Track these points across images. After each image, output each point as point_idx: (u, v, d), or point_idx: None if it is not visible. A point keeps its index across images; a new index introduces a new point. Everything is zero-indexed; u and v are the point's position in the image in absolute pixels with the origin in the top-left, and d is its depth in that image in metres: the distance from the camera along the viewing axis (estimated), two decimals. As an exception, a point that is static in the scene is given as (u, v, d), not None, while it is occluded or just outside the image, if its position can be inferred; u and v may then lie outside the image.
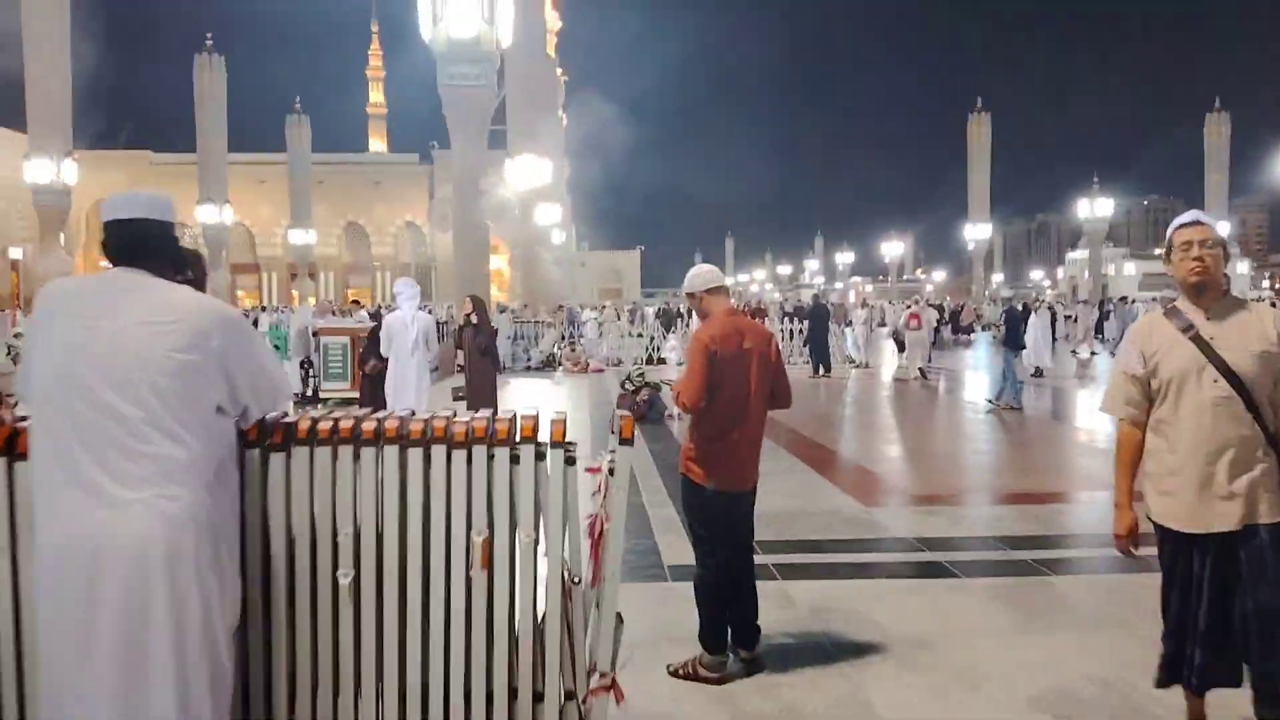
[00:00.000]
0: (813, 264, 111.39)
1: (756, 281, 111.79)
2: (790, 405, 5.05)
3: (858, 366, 24.23)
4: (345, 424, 3.10)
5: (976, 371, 23.47)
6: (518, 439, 3.14)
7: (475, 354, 12.51)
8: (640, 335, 26.50)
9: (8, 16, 35.58)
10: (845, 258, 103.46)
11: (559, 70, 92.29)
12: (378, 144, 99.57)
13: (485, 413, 3.25)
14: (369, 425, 3.09)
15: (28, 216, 44.59)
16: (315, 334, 16.76)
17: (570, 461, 3.19)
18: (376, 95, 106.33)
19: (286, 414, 3.12)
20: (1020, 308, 18.57)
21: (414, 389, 9.52)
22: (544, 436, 3.20)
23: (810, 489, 9.23)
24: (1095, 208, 58.09)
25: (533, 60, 43.17)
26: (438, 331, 12.03)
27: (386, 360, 9.89)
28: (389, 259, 68.68)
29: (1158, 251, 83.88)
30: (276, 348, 17.48)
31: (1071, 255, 79.00)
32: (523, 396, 18.23)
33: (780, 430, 12.98)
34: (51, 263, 37.11)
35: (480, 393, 12.41)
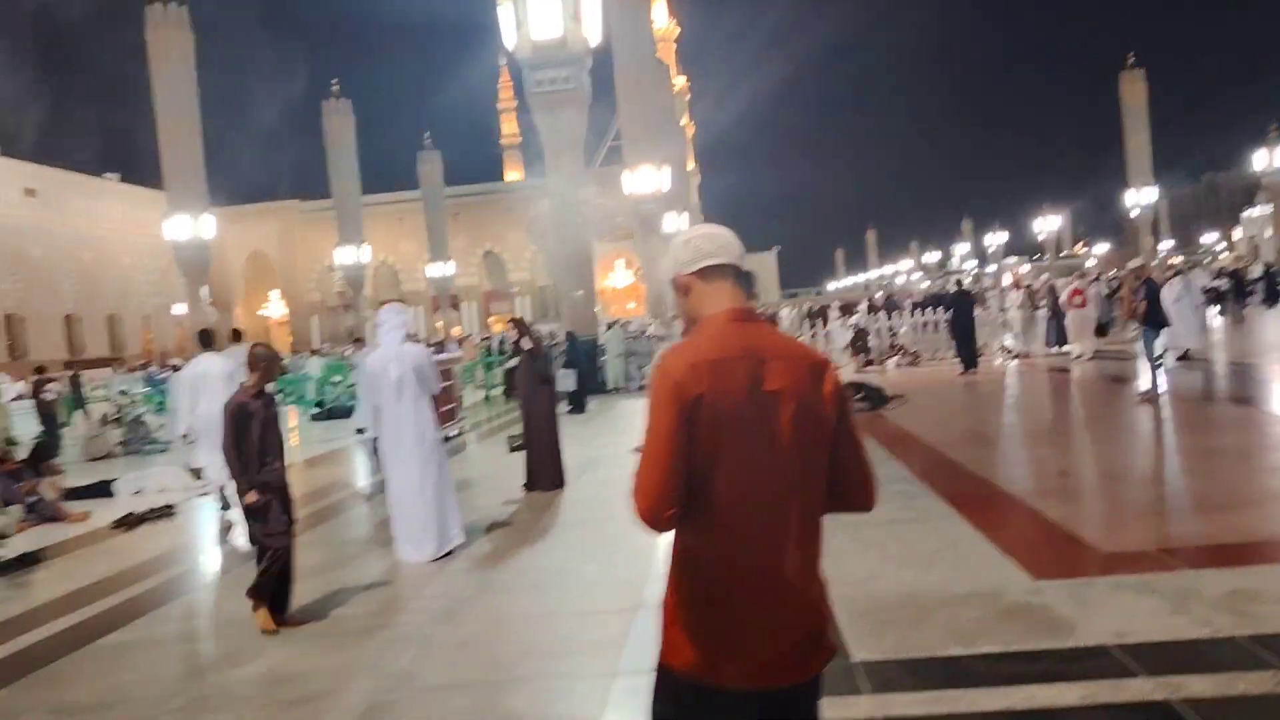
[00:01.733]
0: (962, 248, 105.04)
1: (901, 272, 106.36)
2: (872, 504, 2.41)
3: (1016, 357, 20.79)
4: None
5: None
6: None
7: (533, 385, 10.18)
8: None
9: (139, 74, 36.05)
10: (997, 238, 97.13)
11: (680, 75, 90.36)
12: (514, 175, 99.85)
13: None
14: None
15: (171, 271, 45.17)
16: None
17: None
18: (509, 127, 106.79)
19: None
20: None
21: (414, 444, 7.17)
22: None
23: (954, 550, 6.43)
24: (1275, 157, 51.23)
25: (641, 66, 40.96)
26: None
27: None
28: (527, 284, 67.99)
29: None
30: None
31: (1248, 214, 70.95)
32: (608, 434, 15.79)
33: (914, 450, 10.12)
34: (197, 315, 37.23)
35: (541, 436, 10.07)
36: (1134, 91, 63.96)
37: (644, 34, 41.73)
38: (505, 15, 21.94)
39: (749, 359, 2.27)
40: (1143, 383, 13.10)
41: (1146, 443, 10.50)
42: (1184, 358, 16.74)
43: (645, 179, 41.00)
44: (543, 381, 10.23)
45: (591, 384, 21.91)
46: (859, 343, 21.33)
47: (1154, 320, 12.86)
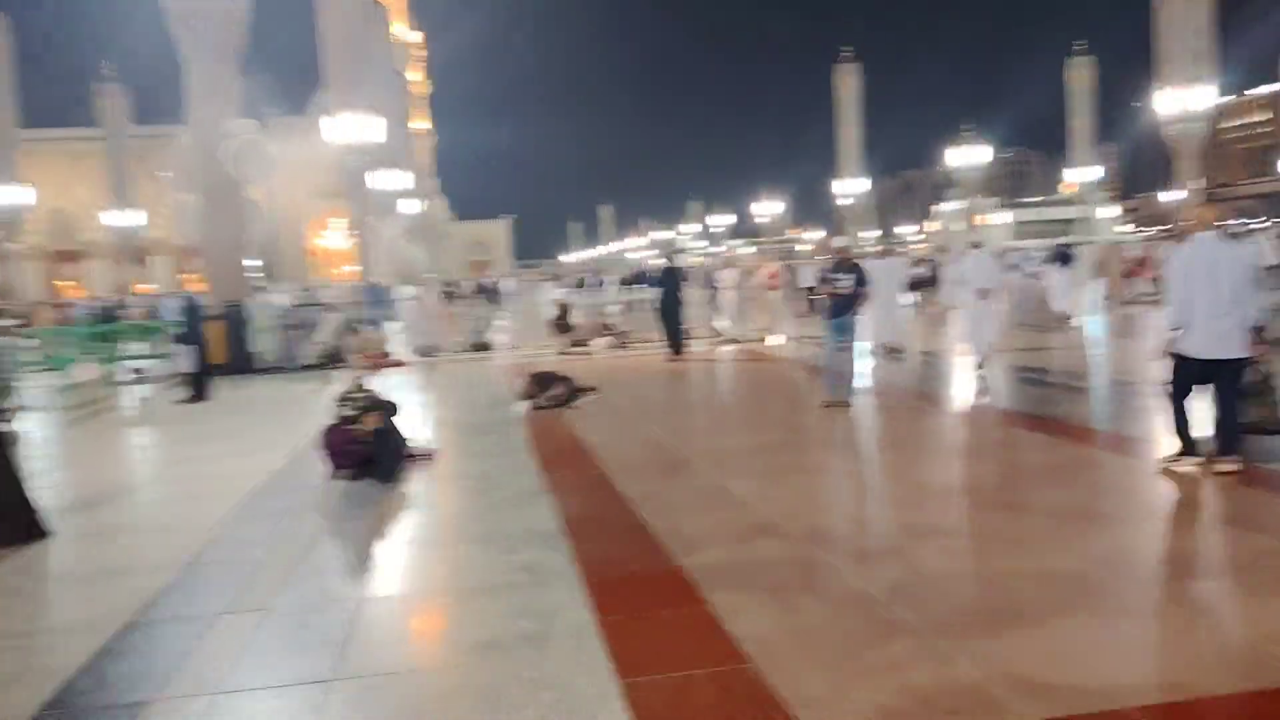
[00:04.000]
0: (691, 228, 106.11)
1: (632, 249, 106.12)
2: None
3: (725, 342, 18.66)
4: None
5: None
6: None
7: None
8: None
9: None
10: (724, 220, 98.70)
11: (415, 30, 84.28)
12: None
13: None
14: None
15: None
16: None
17: None
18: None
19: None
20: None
21: None
22: None
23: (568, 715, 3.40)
24: (969, 155, 53.74)
25: (348, 2, 36.15)
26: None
27: None
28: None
29: (1033, 199, 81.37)
30: None
31: (940, 207, 75.41)
32: (204, 438, 11.98)
33: (579, 477, 7.14)
34: None
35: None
36: (848, 85, 65.75)
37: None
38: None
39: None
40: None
41: (876, 469, 8.11)
42: (889, 350, 14.91)
43: (351, 127, 36.20)
44: None
45: (238, 362, 17.64)
46: (562, 320, 18.39)
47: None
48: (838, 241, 10.90)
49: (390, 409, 8.92)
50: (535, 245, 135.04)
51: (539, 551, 5.64)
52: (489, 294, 22.68)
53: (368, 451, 8.40)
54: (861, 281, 10.39)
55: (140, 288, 51.32)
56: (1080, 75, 65.62)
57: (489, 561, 5.56)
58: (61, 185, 60.09)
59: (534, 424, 10.55)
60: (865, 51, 67.07)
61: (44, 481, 8.08)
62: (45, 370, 16.41)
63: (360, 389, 8.72)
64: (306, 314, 18.93)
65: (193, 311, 14.53)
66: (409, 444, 8.72)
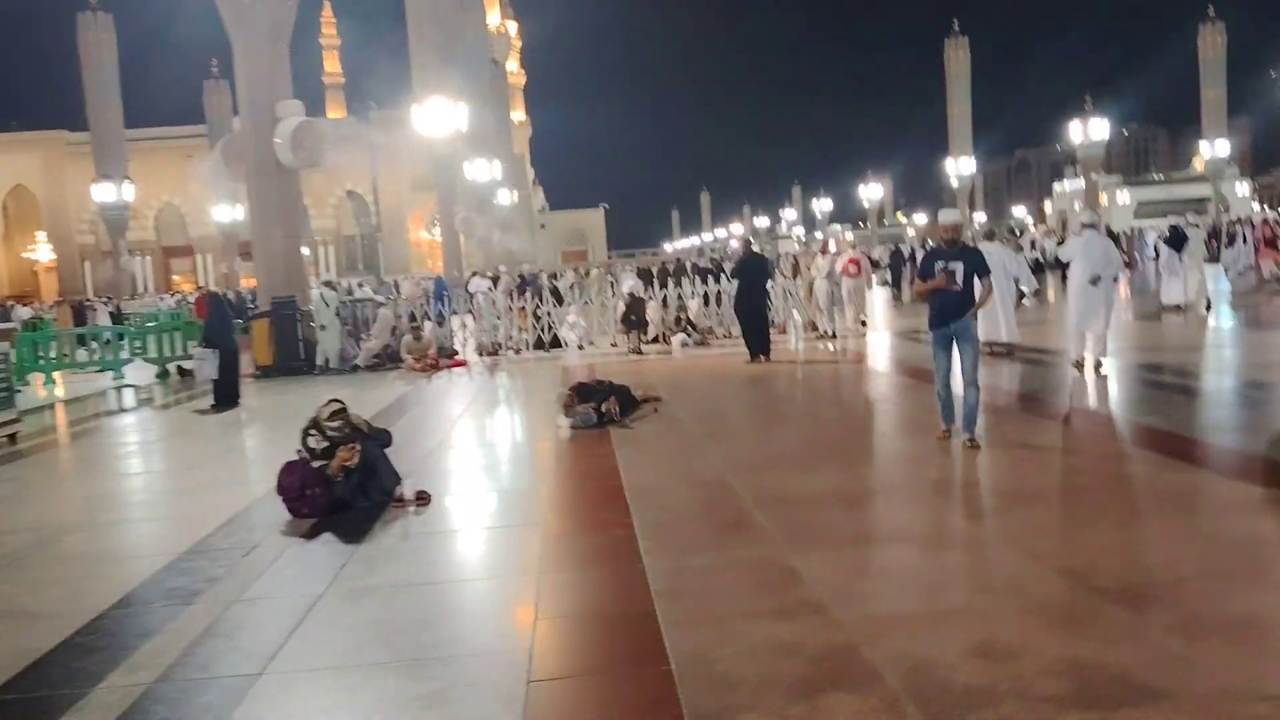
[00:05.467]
0: (790, 214, 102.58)
1: (733, 236, 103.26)
2: None
3: (823, 337, 16.32)
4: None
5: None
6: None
7: None
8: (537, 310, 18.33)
9: None
10: (823, 205, 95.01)
11: (511, 20, 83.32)
12: (338, 115, 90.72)
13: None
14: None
15: None
16: None
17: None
18: (332, 65, 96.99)
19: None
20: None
21: None
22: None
23: None
24: (1089, 130, 49.35)
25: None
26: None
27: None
28: (330, 232, 60.48)
29: (1157, 177, 75.38)
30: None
31: (1058, 187, 70.36)
32: (207, 458, 10.35)
33: (614, 549, 5.02)
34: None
35: None
36: (958, 60, 61.68)
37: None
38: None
39: None
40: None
41: (1016, 532, 5.81)
42: (998, 351, 12.33)
43: (438, 115, 34.81)
44: None
45: (294, 362, 16.18)
46: (632, 316, 16.30)
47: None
48: (947, 216, 7.74)
49: (380, 440, 7.02)
50: (639, 234, 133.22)
51: (474, 703, 3.59)
52: (530, 286, 20.51)
53: (338, 495, 6.52)
54: (980, 269, 7.43)
55: (246, 281, 51.51)
56: (1212, 43, 60.00)
57: (385, 710, 3.55)
58: (175, 182, 61.05)
59: (569, 452, 8.53)
60: (979, 25, 62.76)
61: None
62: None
63: (336, 414, 6.82)
64: (361, 310, 17.36)
65: (218, 310, 12.97)
66: (401, 484, 6.81)
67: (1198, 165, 66.95)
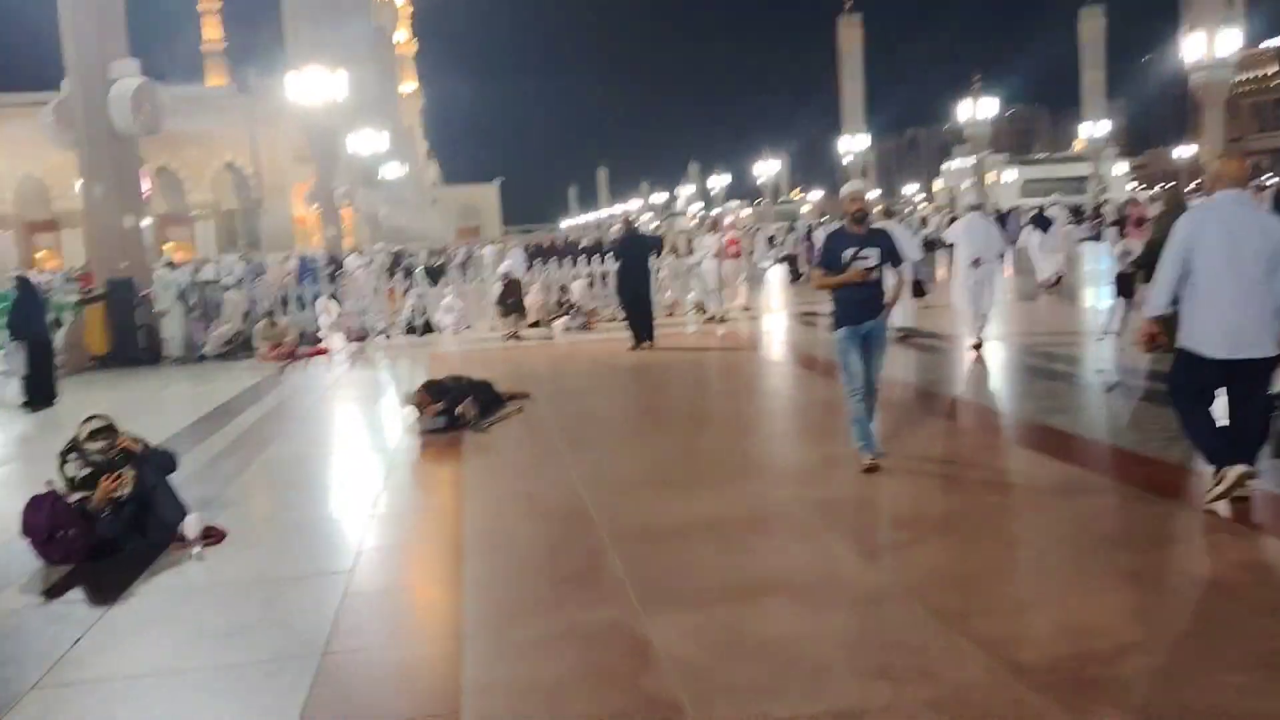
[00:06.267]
0: (687, 190, 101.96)
1: (632, 212, 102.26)
2: None
3: (712, 320, 15.39)
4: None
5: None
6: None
7: None
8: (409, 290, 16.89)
9: None
10: (721, 181, 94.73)
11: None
12: (218, 84, 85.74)
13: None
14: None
15: None
16: None
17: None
18: (212, 31, 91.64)
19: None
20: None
21: None
22: None
23: None
24: (978, 109, 49.85)
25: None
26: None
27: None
28: (208, 206, 56.98)
29: (1041, 156, 77.07)
30: None
31: (947, 165, 71.30)
32: None
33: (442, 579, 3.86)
34: None
35: None
36: (851, 38, 61.64)
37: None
38: None
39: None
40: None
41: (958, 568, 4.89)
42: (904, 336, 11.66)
43: (314, 83, 32.58)
44: None
45: (134, 351, 14.45)
46: (509, 299, 15.06)
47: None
48: (851, 187, 6.32)
49: (160, 463, 5.72)
50: (534, 210, 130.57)
51: None
52: (401, 266, 19.25)
53: (101, 535, 5.22)
54: (893, 256, 6.07)
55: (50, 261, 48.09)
56: (1092, 26, 61.49)
57: None
58: (34, 153, 56.68)
59: (407, 470, 7.33)
60: (871, 3, 62.80)
61: None
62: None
63: (98, 433, 5.50)
64: (210, 294, 15.67)
65: (25, 297, 11.17)
66: (186, 518, 5.53)
67: (1078, 145, 68.79)
